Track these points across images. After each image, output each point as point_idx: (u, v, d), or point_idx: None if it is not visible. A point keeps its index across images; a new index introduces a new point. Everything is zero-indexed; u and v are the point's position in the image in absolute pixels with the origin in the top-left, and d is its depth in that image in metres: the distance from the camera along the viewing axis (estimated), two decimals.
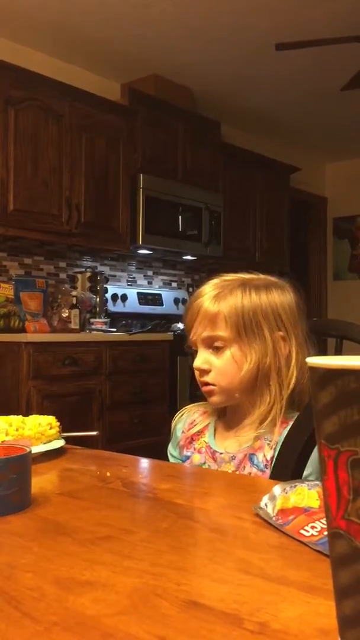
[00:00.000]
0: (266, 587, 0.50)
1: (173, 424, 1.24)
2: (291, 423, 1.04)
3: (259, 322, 1.06)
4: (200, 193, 4.43)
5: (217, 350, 1.08)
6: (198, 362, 1.10)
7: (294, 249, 5.69)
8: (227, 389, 1.09)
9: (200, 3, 3.41)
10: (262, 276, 1.12)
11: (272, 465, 1.03)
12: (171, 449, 1.23)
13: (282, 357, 1.07)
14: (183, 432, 1.20)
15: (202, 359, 1.10)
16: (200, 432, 1.17)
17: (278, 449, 1.03)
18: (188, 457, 1.16)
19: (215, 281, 1.11)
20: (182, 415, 1.24)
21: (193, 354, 1.13)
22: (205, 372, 1.10)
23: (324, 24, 3.60)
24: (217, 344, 1.08)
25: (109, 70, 4.25)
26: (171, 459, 1.22)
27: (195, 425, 1.19)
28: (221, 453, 1.11)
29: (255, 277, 1.11)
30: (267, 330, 1.06)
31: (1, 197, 3.30)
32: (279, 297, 1.08)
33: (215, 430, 1.16)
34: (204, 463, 1.13)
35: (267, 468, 1.04)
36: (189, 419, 1.21)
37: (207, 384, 1.10)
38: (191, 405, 1.24)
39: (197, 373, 1.12)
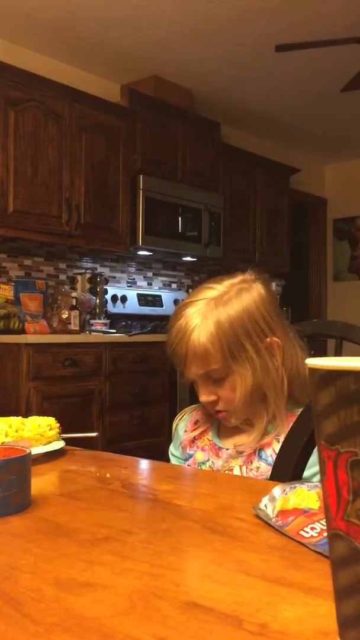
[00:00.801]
0: (266, 588, 0.50)
1: (174, 424, 1.25)
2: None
3: (243, 344, 1.06)
4: (200, 194, 4.43)
5: (217, 381, 1.09)
6: (204, 397, 1.11)
7: (293, 250, 5.69)
8: (238, 411, 1.11)
9: (200, 4, 3.42)
10: (226, 283, 1.10)
11: (273, 465, 1.03)
12: (172, 450, 1.23)
13: (272, 368, 1.08)
14: (186, 431, 1.20)
15: (206, 392, 1.11)
16: (203, 432, 1.18)
17: (284, 438, 1.04)
18: (191, 456, 1.16)
19: (189, 312, 1.08)
20: (183, 416, 1.25)
21: (194, 385, 1.15)
22: (214, 402, 1.11)
23: (324, 25, 3.60)
24: (214, 375, 1.09)
25: (108, 71, 4.25)
26: (172, 459, 1.22)
27: (198, 425, 1.20)
28: (227, 449, 1.12)
29: (223, 290, 1.09)
30: (252, 350, 1.06)
31: (1, 198, 3.30)
32: (252, 301, 1.08)
33: (219, 429, 1.18)
34: (208, 460, 1.14)
35: None
36: (191, 419, 1.22)
37: (218, 411, 1.12)
38: (193, 406, 1.25)
39: (206, 405, 1.14)
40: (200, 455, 1.15)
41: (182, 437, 1.20)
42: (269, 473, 1.04)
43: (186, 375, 1.11)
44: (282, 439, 1.06)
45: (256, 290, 1.09)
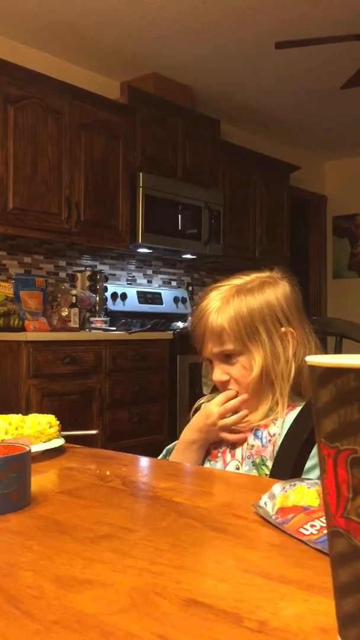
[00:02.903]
0: (266, 585, 0.50)
1: (196, 405, 1.30)
2: (298, 408, 1.08)
3: (257, 328, 1.11)
4: (199, 191, 4.42)
5: (230, 361, 1.14)
6: (216, 376, 1.16)
7: (293, 248, 5.69)
8: (247, 394, 1.14)
9: (200, 1, 3.41)
10: (253, 276, 1.17)
11: (272, 463, 1.04)
12: None
13: (282, 356, 1.12)
14: None
15: (219, 371, 1.16)
16: None
17: (284, 430, 1.07)
18: None
19: (212, 294, 1.16)
20: (198, 404, 1.29)
21: (208, 365, 1.20)
22: (226, 382, 1.16)
23: (324, 22, 3.60)
24: (228, 355, 1.14)
25: (108, 68, 4.24)
26: None
27: None
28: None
29: (248, 280, 1.16)
30: (265, 335, 1.11)
31: (1, 195, 3.30)
32: (273, 294, 1.13)
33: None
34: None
35: (269, 443, 1.08)
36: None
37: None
38: (208, 395, 1.30)
39: (218, 385, 1.18)
40: None
41: None
42: (263, 452, 1.08)
43: (203, 353, 1.18)
44: (278, 421, 1.10)
45: (281, 286, 1.15)
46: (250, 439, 1.11)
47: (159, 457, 1.23)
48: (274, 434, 1.09)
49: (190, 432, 1.17)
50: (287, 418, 1.09)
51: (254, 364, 1.11)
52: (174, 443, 1.23)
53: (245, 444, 1.12)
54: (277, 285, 1.15)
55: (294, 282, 1.18)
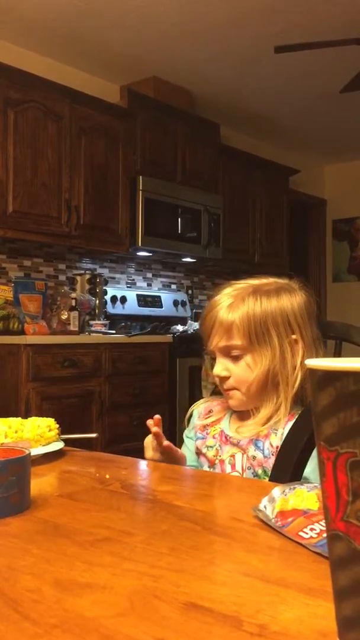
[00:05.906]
0: (265, 589, 0.50)
1: (190, 410, 1.29)
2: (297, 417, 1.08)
3: (269, 329, 1.11)
4: (199, 195, 4.43)
5: (234, 358, 1.14)
6: (217, 370, 1.16)
7: (293, 251, 5.69)
8: (252, 395, 1.14)
9: (200, 5, 3.42)
10: (271, 280, 1.17)
11: (272, 465, 1.04)
12: (187, 432, 1.28)
13: (289, 361, 1.12)
14: (199, 417, 1.25)
15: (221, 366, 1.15)
16: (216, 421, 1.22)
17: (283, 440, 1.06)
18: (199, 438, 1.21)
19: (227, 290, 1.16)
20: (198, 404, 1.29)
21: (211, 360, 1.20)
22: (225, 378, 1.15)
23: (323, 26, 3.60)
24: (233, 352, 1.13)
25: (108, 72, 4.25)
26: (186, 441, 1.27)
27: (211, 414, 1.24)
28: (231, 437, 1.16)
29: (266, 282, 1.16)
30: (276, 337, 1.11)
31: (0, 198, 3.30)
32: (289, 300, 1.13)
33: (230, 421, 1.21)
34: (215, 444, 1.17)
35: (272, 455, 1.08)
36: (206, 408, 1.26)
37: (227, 390, 1.16)
38: (209, 397, 1.31)
39: (217, 380, 1.18)
40: (210, 442, 1.19)
41: (196, 421, 1.25)
42: (265, 463, 1.08)
43: (208, 346, 1.17)
44: (279, 432, 1.09)
45: (298, 296, 1.15)
46: (251, 449, 1.11)
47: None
48: (277, 447, 1.08)
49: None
50: (286, 428, 1.08)
51: (260, 363, 1.10)
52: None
53: (245, 455, 1.11)
54: (294, 293, 1.15)
55: (310, 295, 1.18)
